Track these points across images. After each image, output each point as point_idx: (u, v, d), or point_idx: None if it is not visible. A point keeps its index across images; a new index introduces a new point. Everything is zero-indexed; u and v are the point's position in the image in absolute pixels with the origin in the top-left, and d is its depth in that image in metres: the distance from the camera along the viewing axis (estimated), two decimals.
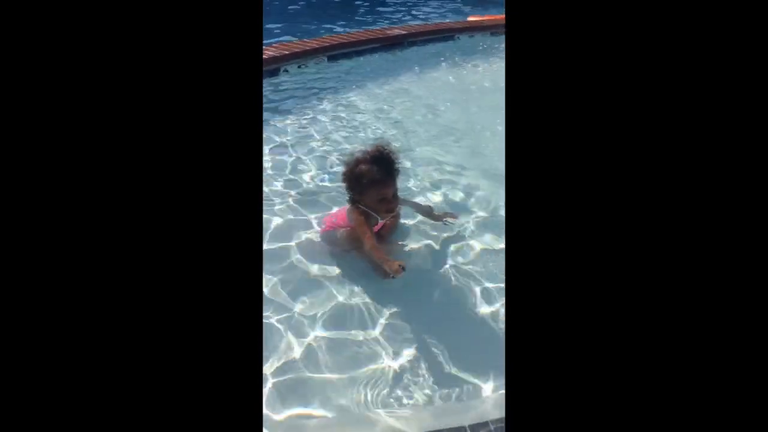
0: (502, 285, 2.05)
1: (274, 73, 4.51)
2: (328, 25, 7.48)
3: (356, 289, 2.00)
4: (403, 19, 8.49)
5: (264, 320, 1.79)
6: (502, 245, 2.30)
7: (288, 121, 3.59)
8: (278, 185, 2.72)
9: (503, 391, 1.59)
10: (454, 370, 1.68)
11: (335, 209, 2.41)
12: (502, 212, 2.56)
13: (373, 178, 1.92)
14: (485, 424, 1.43)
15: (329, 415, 1.51)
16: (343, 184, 2.07)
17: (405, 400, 1.57)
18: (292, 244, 2.24)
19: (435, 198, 2.70)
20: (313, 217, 2.44)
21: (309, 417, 1.50)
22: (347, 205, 2.12)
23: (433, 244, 2.32)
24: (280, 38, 5.42)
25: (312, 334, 1.78)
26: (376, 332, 1.81)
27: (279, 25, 7.11)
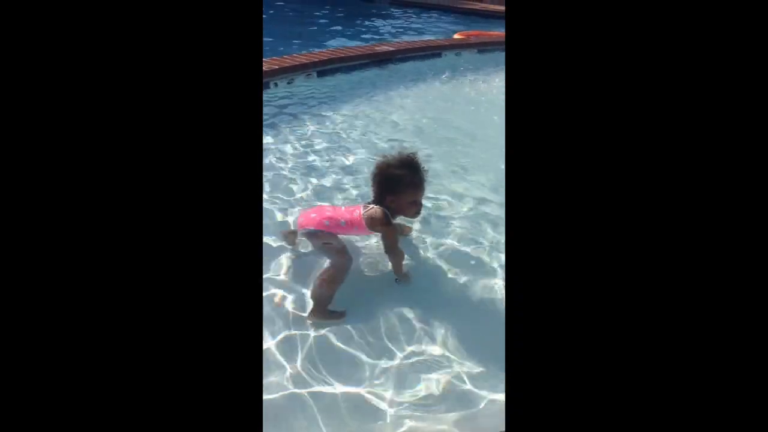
0: (502, 291, 2.11)
1: (264, 87, 4.56)
2: (318, 41, 7.57)
3: (353, 295, 2.03)
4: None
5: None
6: (500, 254, 2.35)
7: (277, 135, 3.62)
8: (267, 196, 2.74)
9: (502, 401, 1.62)
10: (449, 378, 1.70)
11: (320, 204, 2.42)
12: (491, 221, 2.63)
13: (411, 181, 2.01)
14: None
15: (323, 424, 1.52)
16: (373, 184, 2.11)
17: (400, 408, 1.59)
18: (286, 253, 2.27)
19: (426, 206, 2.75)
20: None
21: (302, 425, 1.51)
22: (358, 207, 2.14)
23: (432, 251, 2.37)
24: (271, 53, 5.47)
25: (305, 341, 1.81)
26: (371, 338, 1.84)
27: (269, 40, 7.18)
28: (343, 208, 2.23)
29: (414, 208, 2.08)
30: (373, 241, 2.35)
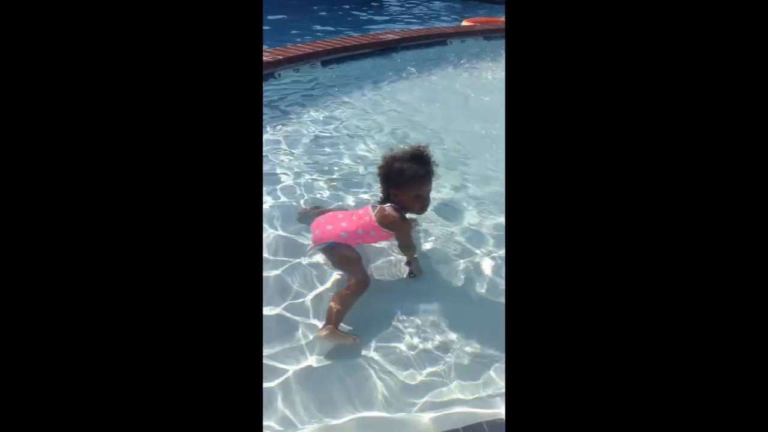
0: (503, 286, 2.11)
1: (269, 77, 4.56)
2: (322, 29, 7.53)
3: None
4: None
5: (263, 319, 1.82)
6: (501, 248, 2.34)
7: (281, 125, 3.61)
8: (272, 188, 2.74)
9: (501, 394, 1.64)
10: (449, 370, 1.71)
11: (335, 212, 2.31)
12: (495, 214, 2.61)
13: (415, 173, 1.96)
14: (479, 425, 1.45)
15: (324, 418, 1.53)
16: (379, 178, 2.08)
17: (401, 402, 1.60)
18: (287, 243, 2.26)
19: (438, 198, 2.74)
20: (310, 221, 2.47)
21: (303, 421, 1.52)
22: (366, 209, 2.09)
23: (436, 249, 2.37)
24: (274, 42, 5.46)
25: (305, 335, 1.82)
26: (373, 332, 1.85)
27: (273, 30, 7.15)
28: (353, 213, 2.15)
29: (419, 203, 2.04)
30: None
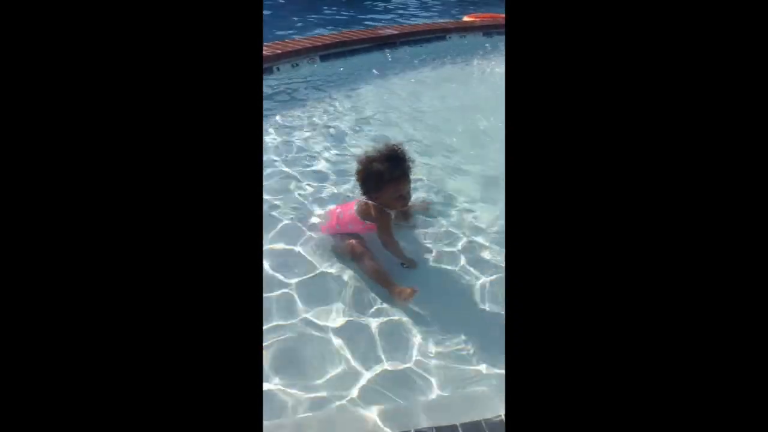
0: (503, 283, 2.11)
1: (267, 72, 4.56)
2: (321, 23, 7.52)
3: (356, 286, 2.06)
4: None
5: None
6: (501, 244, 2.35)
7: (280, 120, 3.63)
8: (272, 184, 2.76)
9: (501, 390, 1.63)
10: (449, 368, 1.72)
11: (333, 206, 2.48)
12: (496, 210, 2.61)
13: (392, 176, 2.02)
14: (478, 423, 1.45)
15: (322, 411, 1.55)
16: (358, 182, 2.16)
17: (396, 397, 1.61)
18: (290, 241, 2.29)
19: (428, 197, 2.76)
20: (314, 215, 2.50)
21: (302, 413, 1.54)
22: (353, 202, 2.23)
23: (434, 241, 2.39)
24: (273, 37, 5.45)
25: (307, 331, 1.84)
26: (372, 328, 1.86)
27: (271, 25, 7.15)
28: (338, 207, 2.33)
29: (400, 202, 2.11)
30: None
